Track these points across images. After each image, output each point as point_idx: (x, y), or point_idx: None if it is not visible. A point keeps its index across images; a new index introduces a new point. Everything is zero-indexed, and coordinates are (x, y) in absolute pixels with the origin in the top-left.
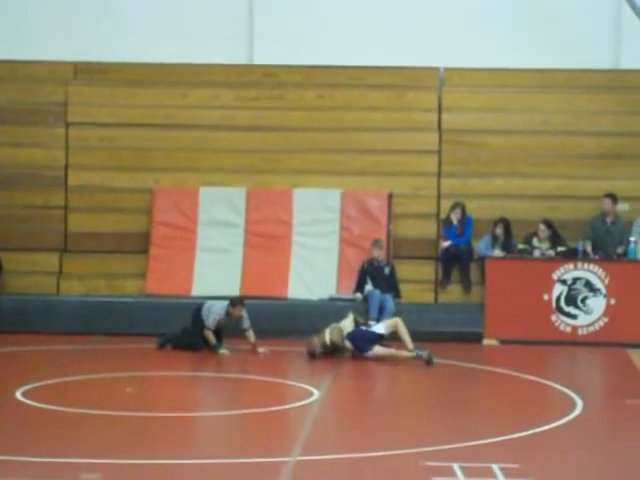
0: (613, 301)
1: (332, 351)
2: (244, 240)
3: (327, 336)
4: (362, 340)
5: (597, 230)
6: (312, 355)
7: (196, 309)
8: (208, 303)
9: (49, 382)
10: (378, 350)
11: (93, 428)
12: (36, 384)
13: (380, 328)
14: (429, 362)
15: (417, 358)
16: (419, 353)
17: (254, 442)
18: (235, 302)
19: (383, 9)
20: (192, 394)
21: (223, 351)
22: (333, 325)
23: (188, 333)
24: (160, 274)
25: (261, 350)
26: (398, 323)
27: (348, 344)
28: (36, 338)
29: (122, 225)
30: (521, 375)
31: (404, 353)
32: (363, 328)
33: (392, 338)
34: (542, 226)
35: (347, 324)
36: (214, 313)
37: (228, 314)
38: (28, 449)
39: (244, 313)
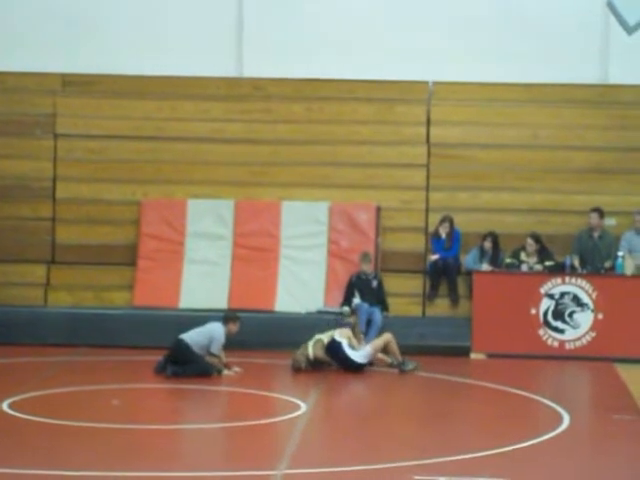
0: (600, 316)
1: (316, 365)
2: (232, 253)
3: (310, 350)
4: (346, 364)
5: (584, 245)
6: (297, 370)
7: (180, 345)
8: (196, 333)
9: (36, 394)
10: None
11: (79, 440)
12: (23, 396)
13: (364, 356)
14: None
15: (400, 370)
16: (404, 368)
17: (241, 455)
18: (234, 318)
19: (372, 23)
20: (179, 407)
21: (229, 372)
22: (316, 338)
23: (197, 361)
24: (148, 286)
25: (236, 370)
26: (389, 341)
27: (331, 360)
28: (23, 350)
29: (110, 237)
30: (508, 389)
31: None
32: (346, 351)
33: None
34: (530, 240)
35: (330, 336)
36: (219, 339)
37: (226, 334)
38: (14, 461)
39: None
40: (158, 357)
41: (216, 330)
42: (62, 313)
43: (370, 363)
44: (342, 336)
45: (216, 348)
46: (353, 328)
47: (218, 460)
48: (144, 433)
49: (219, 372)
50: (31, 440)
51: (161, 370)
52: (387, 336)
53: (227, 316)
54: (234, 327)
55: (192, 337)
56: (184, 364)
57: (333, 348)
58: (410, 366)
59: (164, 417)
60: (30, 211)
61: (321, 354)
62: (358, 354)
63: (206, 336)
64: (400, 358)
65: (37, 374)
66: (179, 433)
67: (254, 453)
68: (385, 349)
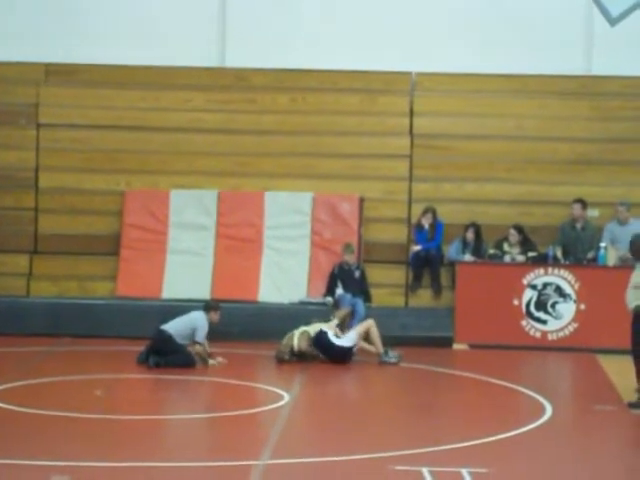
0: (583, 306)
1: (300, 357)
2: (215, 243)
3: (295, 342)
4: (337, 355)
5: (567, 236)
6: (281, 361)
7: (163, 335)
8: (178, 323)
9: (19, 384)
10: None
11: (62, 430)
12: (6, 386)
13: (349, 340)
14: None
15: (383, 363)
16: (386, 360)
17: (224, 445)
18: (215, 307)
19: (355, 14)
20: (162, 397)
21: (214, 362)
22: (302, 329)
23: (180, 352)
24: (131, 276)
25: (219, 360)
26: (371, 326)
27: (318, 353)
28: (6, 340)
29: (93, 227)
30: (491, 380)
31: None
32: (332, 340)
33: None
34: (512, 231)
35: (317, 329)
36: (203, 326)
37: (208, 322)
38: None
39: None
40: (141, 347)
41: (199, 319)
42: (45, 303)
43: (353, 351)
44: (329, 328)
45: (201, 336)
46: (345, 318)
47: (201, 450)
48: (127, 423)
49: (205, 362)
50: (14, 430)
51: (143, 361)
52: (369, 322)
53: (208, 305)
54: (215, 316)
55: (174, 327)
56: (167, 355)
57: (320, 339)
58: (392, 359)
59: (147, 408)
60: (13, 201)
61: (305, 346)
62: (342, 340)
63: (188, 325)
64: (382, 348)
65: (20, 364)
66: (162, 423)
67: (237, 443)
68: (367, 337)
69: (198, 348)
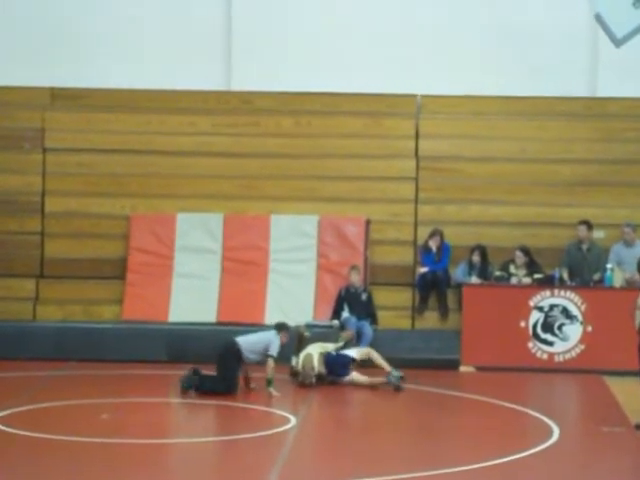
0: (589, 328)
1: (319, 379)
2: (221, 266)
3: (316, 364)
4: (336, 365)
5: (573, 257)
6: (309, 385)
7: (228, 347)
8: (252, 337)
9: (25, 408)
10: (355, 376)
11: (68, 455)
12: (12, 410)
13: (352, 352)
14: (397, 389)
15: (387, 384)
16: (390, 380)
17: (230, 470)
18: (287, 328)
19: (360, 37)
20: (168, 421)
21: (273, 390)
22: (319, 352)
23: (224, 377)
24: (137, 300)
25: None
26: (370, 352)
27: (323, 370)
28: (12, 364)
29: (99, 251)
30: (497, 402)
31: (379, 379)
32: (333, 353)
33: (368, 365)
34: (518, 253)
35: (328, 347)
36: (277, 342)
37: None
38: (2, 476)
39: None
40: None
41: (274, 336)
42: (51, 327)
43: (350, 366)
44: (328, 349)
45: (275, 349)
46: (347, 343)
47: (207, 474)
48: (133, 448)
49: (270, 384)
50: (20, 455)
51: (187, 386)
52: (367, 349)
53: (282, 325)
54: (285, 338)
55: (246, 341)
56: (223, 363)
57: (328, 359)
58: (392, 380)
59: (153, 431)
60: (18, 225)
61: (322, 369)
62: (347, 351)
63: (263, 340)
64: (389, 368)
65: (26, 389)
66: (168, 447)
67: (243, 467)
68: (372, 362)
69: (270, 363)
